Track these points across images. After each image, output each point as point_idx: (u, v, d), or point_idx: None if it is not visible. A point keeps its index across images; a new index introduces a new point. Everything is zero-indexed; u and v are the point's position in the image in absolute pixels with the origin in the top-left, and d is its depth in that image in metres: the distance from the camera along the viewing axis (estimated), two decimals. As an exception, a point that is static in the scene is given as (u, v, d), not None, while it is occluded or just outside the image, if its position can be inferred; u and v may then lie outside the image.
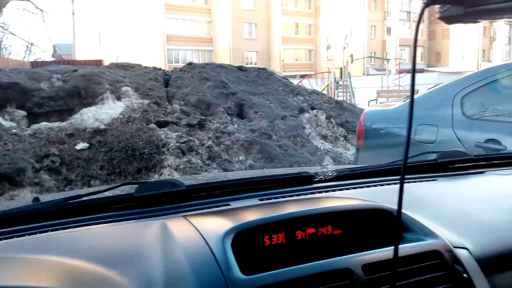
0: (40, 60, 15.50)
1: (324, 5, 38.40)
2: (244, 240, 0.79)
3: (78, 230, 0.94)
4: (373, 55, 34.01)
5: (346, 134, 7.19)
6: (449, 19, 0.63)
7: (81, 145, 4.98)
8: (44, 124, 5.21)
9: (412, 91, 0.60)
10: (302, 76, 26.98)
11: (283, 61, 36.20)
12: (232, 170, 5.65)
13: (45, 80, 5.80)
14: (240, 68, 8.37)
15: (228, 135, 6.29)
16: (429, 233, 0.83)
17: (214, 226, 0.87)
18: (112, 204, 1.08)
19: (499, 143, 2.67)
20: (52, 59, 17.40)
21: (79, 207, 1.06)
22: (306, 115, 7.58)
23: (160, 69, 7.68)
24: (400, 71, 24.73)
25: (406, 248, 0.78)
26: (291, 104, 7.75)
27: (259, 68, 8.63)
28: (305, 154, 6.36)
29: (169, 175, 5.23)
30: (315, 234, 0.84)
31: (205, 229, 0.83)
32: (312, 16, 39.45)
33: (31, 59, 16.38)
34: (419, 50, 44.08)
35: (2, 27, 14.96)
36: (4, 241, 0.89)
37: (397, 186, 1.23)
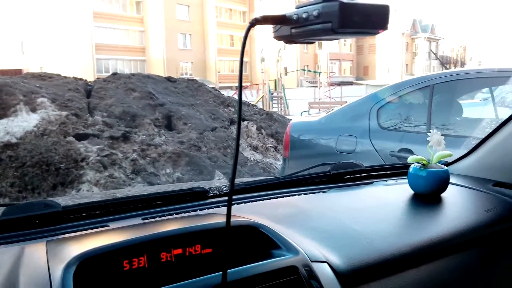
0: (-50, 68, 14.14)
1: (258, 19, 39.13)
2: (100, 266, 0.72)
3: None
4: (305, 68, 35.21)
5: (276, 145, 7.28)
6: (282, 39, 0.65)
7: (-14, 161, 4.54)
8: None
9: (240, 107, 0.61)
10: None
11: (219, 72, 36.28)
12: (158, 183, 5.47)
13: None
14: (169, 79, 8.20)
15: (154, 147, 6.08)
16: (291, 249, 0.81)
17: (66, 252, 0.78)
18: None
19: (411, 152, 2.80)
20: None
21: None
22: (237, 126, 7.58)
23: (81, 79, 7.29)
24: (331, 84, 25.84)
25: (263, 265, 0.75)
26: (221, 116, 7.71)
27: (188, 79, 8.53)
28: (235, 166, 6.33)
29: (87, 190, 4.92)
30: (182, 255, 0.79)
31: (55, 256, 0.76)
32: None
33: None
34: (348, 64, 46.49)
35: None
36: None
37: (289, 198, 1.22)
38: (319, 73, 26.92)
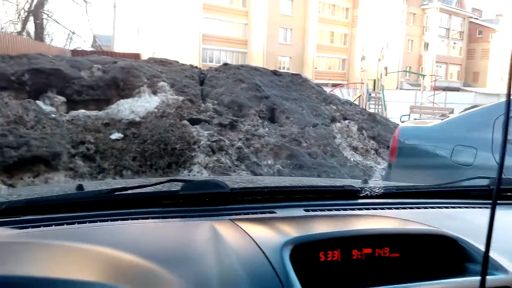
0: (80, 49, 15.95)
1: (361, 16, 38.02)
2: (299, 253, 0.75)
3: (123, 224, 0.93)
4: (408, 70, 33.41)
5: (378, 148, 7.07)
6: None
7: (116, 135, 5.08)
8: (82, 112, 5.35)
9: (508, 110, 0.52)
10: (334, 85, 26.74)
11: (316, 68, 36.01)
12: (261, 174, 5.65)
13: (86, 69, 5.95)
14: (274, 72, 8.37)
15: (258, 138, 6.28)
16: (497, 267, 0.78)
17: (267, 234, 0.84)
18: (157, 199, 1.07)
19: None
20: (91, 49, 17.89)
21: (124, 200, 1.06)
22: (338, 124, 7.50)
23: (196, 67, 7.77)
24: (435, 88, 24.21)
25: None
26: (323, 113, 7.68)
27: (293, 74, 8.61)
28: (335, 164, 6.29)
29: (198, 172, 5.27)
30: (371, 255, 0.81)
31: (259, 237, 0.81)
32: (348, 25, 39.12)
33: (72, 47, 16.86)
34: (456, 68, 43.08)
35: (46, 14, 15.48)
36: (48, 228, 0.89)
37: (451, 210, 1.18)
38: (424, 76, 25.37)
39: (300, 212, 1.06)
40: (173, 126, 5.64)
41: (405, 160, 3.83)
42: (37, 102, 5.14)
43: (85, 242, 0.80)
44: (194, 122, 6.00)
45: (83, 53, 12.50)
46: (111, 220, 0.94)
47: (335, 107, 7.93)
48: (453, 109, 14.79)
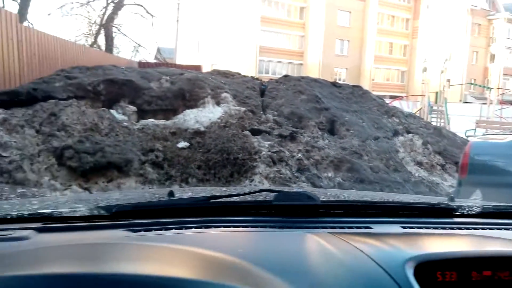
0: (145, 61, 16.81)
1: (422, 27, 36.82)
2: (417, 272, 0.73)
3: (222, 231, 0.96)
4: (472, 82, 31.76)
5: (444, 163, 6.76)
6: None
7: (182, 144, 5.27)
8: (151, 121, 5.61)
9: None
10: (393, 97, 26.00)
11: (373, 80, 35.26)
12: (321, 186, 5.60)
13: (155, 81, 6.25)
14: (334, 84, 8.31)
15: (318, 149, 6.25)
16: None
17: (381, 250, 0.83)
18: (251, 209, 1.11)
19: None
20: (155, 61, 18.76)
21: (221, 208, 1.10)
22: (401, 138, 7.27)
23: (257, 79, 7.90)
24: (503, 102, 22.79)
25: None
26: (385, 125, 7.50)
27: (353, 86, 8.50)
28: (398, 179, 6.09)
29: (259, 182, 5.32)
30: (490, 277, 0.77)
31: (373, 252, 0.80)
32: (408, 36, 38.01)
33: (137, 59, 17.81)
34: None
35: (116, 28, 16.53)
36: (158, 232, 0.94)
37: None
38: (490, 88, 23.99)
39: (397, 228, 1.04)
40: (235, 136, 5.76)
41: (476, 177, 3.67)
42: (111, 111, 5.47)
43: (195, 245, 0.84)
44: (255, 132, 6.09)
45: (148, 65, 13.16)
46: (208, 227, 0.98)
47: (397, 120, 7.71)
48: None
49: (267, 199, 1.14)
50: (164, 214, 1.05)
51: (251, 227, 0.99)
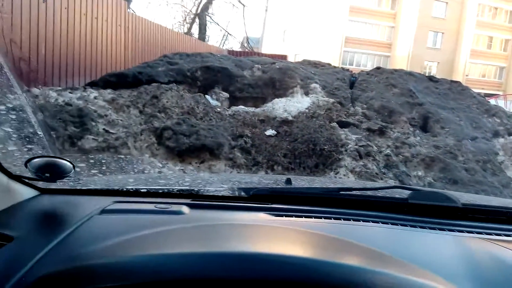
0: (232, 49, 17.27)
1: (530, 19, 33.18)
2: None
3: (354, 224, 0.96)
4: None
5: (551, 171, 6.12)
6: None
7: (270, 132, 5.38)
8: (241, 108, 5.80)
9: None
10: (488, 95, 23.89)
11: (467, 75, 32.62)
12: (410, 184, 5.38)
13: (248, 69, 6.42)
14: (430, 79, 7.87)
15: (408, 146, 6.00)
16: None
17: None
18: (383, 204, 1.09)
19: None
20: (241, 49, 19.19)
21: (351, 200, 1.10)
22: (501, 140, 6.71)
23: (348, 70, 7.75)
24: None
25: None
26: (484, 125, 6.96)
27: (452, 81, 7.97)
28: (496, 184, 5.65)
29: (344, 175, 5.26)
30: None
31: None
32: (511, 30, 34.49)
33: (225, 47, 18.36)
34: None
35: (209, 16, 17.14)
36: (299, 219, 0.97)
37: None
38: None
39: None
40: (322, 128, 5.74)
41: None
42: (206, 96, 5.74)
43: (332, 233, 0.87)
44: (342, 125, 6.01)
45: (237, 53, 13.50)
46: (344, 219, 0.99)
47: (499, 120, 7.11)
48: None
49: (401, 196, 1.11)
50: (299, 201, 1.09)
51: (382, 223, 0.98)
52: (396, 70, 7.71)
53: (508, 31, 34.58)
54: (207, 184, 1.34)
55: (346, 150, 5.55)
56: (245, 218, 0.98)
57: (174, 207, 0.97)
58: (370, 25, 31.35)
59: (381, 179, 5.35)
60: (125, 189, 1.13)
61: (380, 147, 5.87)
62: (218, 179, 1.57)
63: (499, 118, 7.17)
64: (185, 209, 0.97)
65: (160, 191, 1.15)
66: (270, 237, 0.86)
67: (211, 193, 1.14)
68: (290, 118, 5.80)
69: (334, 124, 5.97)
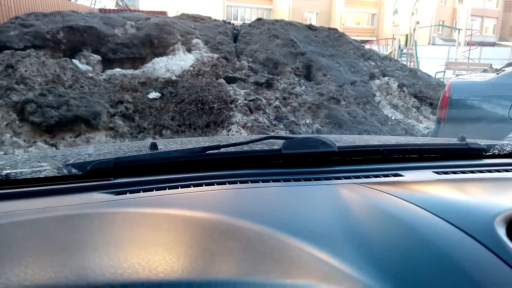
0: (104, 7, 15.72)
1: (392, -33, 35.98)
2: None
3: (228, 187, 0.80)
4: (441, 24, 31.80)
5: (419, 105, 6.76)
6: None
7: (153, 94, 4.98)
8: (118, 71, 5.24)
9: None
10: (363, 41, 25.73)
11: (343, 24, 34.63)
12: (299, 133, 5.49)
13: (119, 26, 5.78)
14: (309, 27, 8.00)
15: (295, 96, 6.09)
16: None
17: (445, 203, 0.68)
18: (254, 159, 0.94)
19: None
20: (116, 7, 17.61)
21: (219, 160, 0.93)
22: (377, 81, 7.18)
23: (229, 23, 7.48)
24: (471, 43, 23.01)
25: None
26: (361, 69, 7.36)
27: (329, 28, 8.21)
28: (375, 123, 6.06)
29: (236, 131, 5.15)
30: None
31: (433, 206, 0.65)
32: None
33: (97, 6, 16.64)
34: (492, 22, 40.76)
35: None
36: (149, 193, 0.76)
37: None
38: (459, 30, 24.08)
39: (430, 175, 0.91)
40: (210, 85, 5.49)
41: (456, 116, 3.67)
42: (73, 61, 5.05)
43: (197, 208, 0.67)
44: (230, 80, 5.83)
45: (110, 11, 12.27)
46: (218, 183, 0.81)
47: (374, 63, 7.58)
48: (491, 65, 14.02)
49: (274, 148, 0.99)
50: (153, 170, 0.86)
51: (252, 182, 0.83)
52: (277, 21, 7.67)
53: (375, -21, 37.17)
54: (20, 165, 0.97)
55: (236, 106, 5.41)
56: (75, 203, 0.71)
57: None
58: (251, -22, 31.19)
59: (273, 131, 5.36)
60: None
61: (269, 100, 5.85)
62: (39, 156, 1.20)
63: (374, 61, 7.63)
64: None
65: None
66: (104, 228, 0.61)
67: (26, 176, 0.82)
68: (174, 78, 5.43)
69: (221, 80, 5.75)
